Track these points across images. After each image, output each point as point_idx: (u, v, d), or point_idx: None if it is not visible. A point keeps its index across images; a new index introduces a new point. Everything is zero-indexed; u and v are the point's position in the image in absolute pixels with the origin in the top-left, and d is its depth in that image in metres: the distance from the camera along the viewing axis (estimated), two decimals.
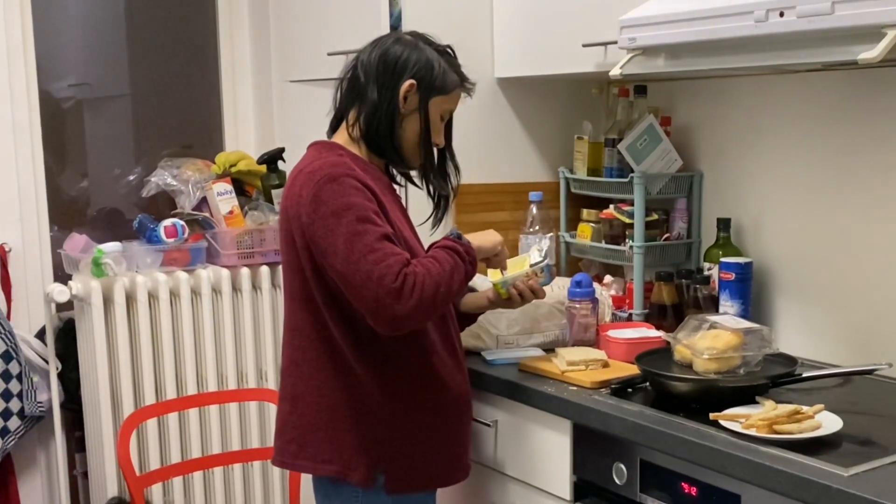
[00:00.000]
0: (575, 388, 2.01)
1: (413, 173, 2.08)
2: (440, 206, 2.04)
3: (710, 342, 1.90)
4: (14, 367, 2.91)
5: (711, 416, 1.75)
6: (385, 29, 2.44)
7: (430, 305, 1.81)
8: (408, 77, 1.91)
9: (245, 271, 3.16)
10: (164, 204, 3.31)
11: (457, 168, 2.05)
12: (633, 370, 2.02)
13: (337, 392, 1.91)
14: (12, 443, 2.94)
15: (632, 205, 2.41)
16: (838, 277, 2.19)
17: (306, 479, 2.26)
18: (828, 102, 2.20)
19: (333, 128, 2.02)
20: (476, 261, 1.94)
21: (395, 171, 2.07)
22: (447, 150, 2.03)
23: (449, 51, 1.99)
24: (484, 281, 2.18)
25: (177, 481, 3.04)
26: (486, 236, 2.03)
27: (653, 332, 2.21)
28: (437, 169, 2.02)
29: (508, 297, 2.06)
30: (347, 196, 1.81)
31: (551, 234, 2.43)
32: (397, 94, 1.91)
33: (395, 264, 1.78)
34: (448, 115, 2.00)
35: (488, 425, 2.15)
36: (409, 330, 1.85)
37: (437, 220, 2.06)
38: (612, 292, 2.49)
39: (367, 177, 1.87)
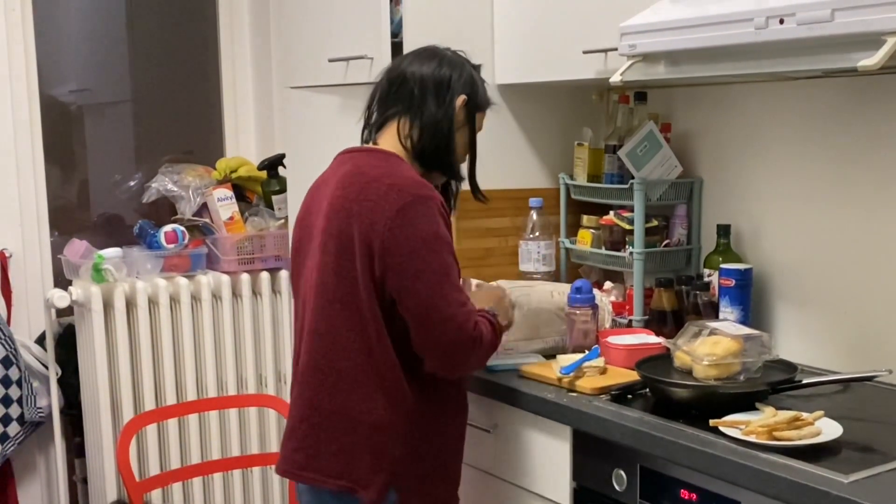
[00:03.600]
0: (575, 394, 2.01)
1: None
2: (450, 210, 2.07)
3: (709, 348, 1.90)
4: (14, 373, 2.91)
5: (711, 422, 1.75)
6: (386, 36, 2.44)
7: (482, 361, 1.93)
8: (460, 92, 1.97)
9: (245, 277, 3.17)
10: (165, 210, 3.32)
11: (461, 178, 2.09)
12: (633, 376, 2.02)
13: (362, 406, 1.86)
14: (12, 448, 2.94)
15: (632, 211, 2.41)
16: (838, 284, 2.20)
17: None
18: (828, 109, 2.20)
19: (373, 132, 2.01)
20: (500, 331, 1.98)
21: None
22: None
23: (479, 68, 2.08)
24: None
25: (176, 487, 3.04)
26: (498, 306, 2.03)
27: (653, 339, 2.21)
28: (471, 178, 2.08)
29: None
30: (437, 225, 1.83)
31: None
32: (453, 108, 1.97)
33: (472, 312, 1.85)
34: (480, 130, 2.08)
35: (488, 431, 2.15)
36: (454, 375, 1.92)
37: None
38: (612, 298, 2.49)
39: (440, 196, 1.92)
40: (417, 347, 1.84)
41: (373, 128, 2.01)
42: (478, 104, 2.03)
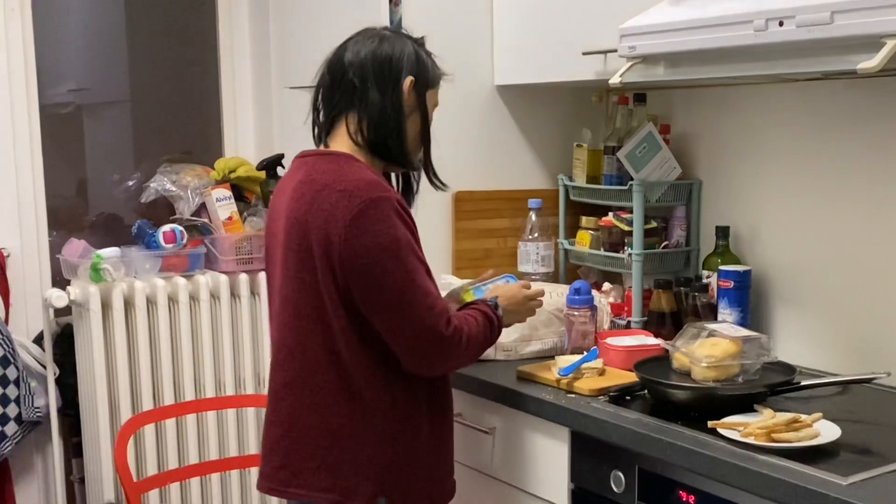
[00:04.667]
0: (573, 395, 2.01)
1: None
2: (408, 194, 1.99)
3: (708, 350, 1.90)
4: (12, 372, 2.90)
5: (710, 424, 1.75)
6: None
7: (468, 358, 1.88)
8: (406, 74, 1.85)
9: (243, 277, 3.16)
10: (163, 209, 3.31)
11: (429, 159, 1.98)
12: (631, 378, 2.02)
13: (340, 415, 1.82)
14: (9, 448, 2.93)
15: (631, 212, 2.41)
16: (837, 286, 2.20)
17: None
18: (827, 112, 2.20)
19: (323, 134, 1.92)
20: (501, 329, 1.97)
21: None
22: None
23: (423, 42, 1.94)
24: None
25: (174, 487, 3.03)
26: (513, 302, 2.01)
27: (651, 340, 2.22)
28: (427, 165, 1.96)
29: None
30: (393, 227, 1.75)
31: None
32: (401, 93, 1.84)
33: (442, 313, 1.80)
34: (434, 109, 1.94)
35: (486, 432, 2.15)
36: (435, 375, 1.89)
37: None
38: (611, 300, 2.49)
39: (397, 194, 1.84)
40: (395, 351, 1.81)
41: (322, 128, 1.92)
42: (427, 82, 1.88)
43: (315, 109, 1.92)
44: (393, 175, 1.99)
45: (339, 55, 1.88)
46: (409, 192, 2.00)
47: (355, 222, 1.73)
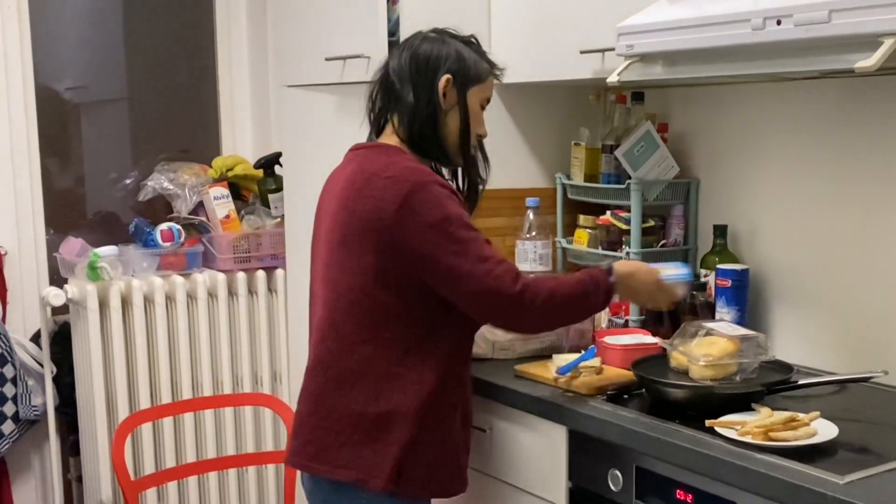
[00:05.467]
0: (571, 394, 2.01)
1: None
2: (471, 200, 2.05)
3: (706, 349, 1.90)
4: (9, 371, 2.90)
5: (707, 422, 1.75)
6: (383, 35, 2.44)
7: (555, 314, 1.89)
8: (442, 73, 1.92)
9: (241, 275, 3.16)
10: (161, 208, 3.31)
11: (486, 159, 2.06)
12: (629, 376, 2.02)
13: (371, 395, 1.87)
14: (6, 447, 2.93)
15: (628, 211, 2.41)
16: (835, 285, 2.20)
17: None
18: (825, 110, 2.20)
19: (376, 132, 2.02)
20: (610, 295, 1.93)
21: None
22: (480, 145, 2.04)
23: (473, 40, 2.02)
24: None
25: (171, 486, 3.03)
26: (640, 272, 1.99)
27: (649, 339, 2.21)
28: (474, 162, 2.02)
29: None
30: (442, 206, 1.81)
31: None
32: (436, 92, 1.92)
33: (507, 272, 1.82)
34: (486, 104, 2.02)
35: (484, 431, 2.15)
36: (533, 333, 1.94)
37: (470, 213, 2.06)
38: None
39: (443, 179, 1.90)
40: (423, 325, 1.87)
41: (374, 124, 2.02)
42: (468, 79, 1.94)
43: (368, 110, 2.02)
44: (459, 182, 2.06)
45: (388, 56, 2.01)
46: (473, 199, 2.05)
47: (406, 206, 1.80)
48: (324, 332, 1.93)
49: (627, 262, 2.07)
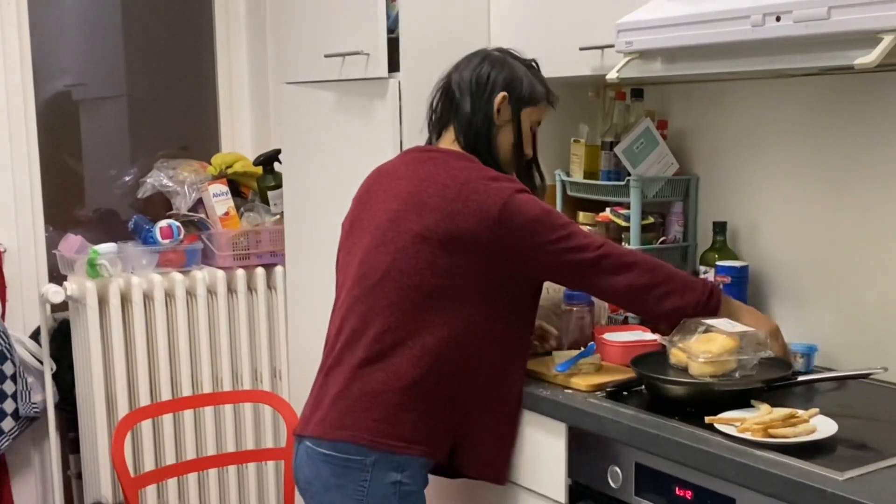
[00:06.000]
0: (570, 391, 2.01)
1: None
2: None
3: (705, 345, 1.90)
4: (8, 368, 2.91)
5: (707, 419, 1.75)
6: (382, 32, 2.44)
7: (655, 275, 1.97)
8: (500, 90, 2.04)
9: (241, 273, 3.16)
10: (160, 205, 3.32)
11: (542, 177, 2.17)
12: (628, 373, 2.02)
13: (408, 375, 1.92)
14: (6, 444, 2.93)
15: (628, 208, 2.41)
16: (834, 281, 2.20)
17: None
18: (824, 107, 2.20)
19: (434, 134, 2.12)
20: (718, 304, 1.99)
21: None
22: (534, 161, 2.15)
23: (534, 65, 2.12)
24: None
25: (171, 483, 3.04)
26: (759, 320, 2.03)
27: (648, 336, 2.21)
28: (527, 178, 2.12)
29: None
30: (538, 204, 1.95)
31: None
32: (491, 107, 2.03)
33: (608, 244, 1.96)
34: (537, 127, 2.12)
35: None
36: None
37: None
38: None
39: None
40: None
41: (434, 129, 2.12)
42: (523, 100, 2.06)
43: (428, 117, 2.14)
44: None
45: (451, 69, 2.11)
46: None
47: (506, 207, 1.91)
48: (364, 315, 1.96)
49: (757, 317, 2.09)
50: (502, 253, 1.93)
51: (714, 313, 1.98)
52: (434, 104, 2.12)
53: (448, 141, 2.08)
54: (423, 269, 1.93)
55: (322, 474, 1.96)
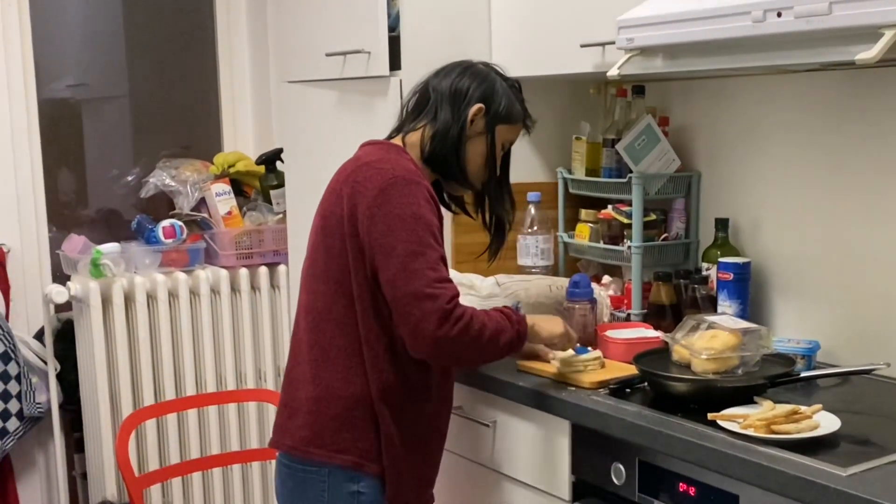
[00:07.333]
0: (573, 388, 2.01)
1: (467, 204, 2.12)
2: (497, 237, 2.09)
3: (708, 342, 1.90)
4: (13, 368, 2.91)
5: (710, 416, 1.75)
6: (383, 30, 2.44)
7: (471, 345, 1.82)
8: (476, 101, 1.99)
9: (244, 272, 3.17)
10: (163, 205, 3.32)
11: (512, 201, 2.11)
12: (631, 370, 2.02)
13: (356, 381, 1.87)
14: (11, 444, 2.94)
15: (630, 205, 2.41)
16: (836, 277, 2.20)
17: None
18: (826, 102, 2.20)
19: (396, 131, 2.06)
20: (525, 335, 1.95)
21: (447, 199, 2.10)
22: (505, 182, 2.10)
23: (516, 85, 2.08)
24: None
25: (176, 482, 3.04)
26: (548, 322, 2.05)
27: (651, 333, 2.22)
28: (496, 196, 2.07)
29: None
30: (418, 206, 1.84)
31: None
32: (465, 116, 1.98)
33: (451, 290, 1.81)
34: (508, 147, 2.08)
35: (487, 425, 2.15)
36: (439, 362, 1.90)
37: (494, 253, 2.10)
38: (611, 292, 2.49)
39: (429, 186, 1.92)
40: (399, 329, 1.84)
41: (401, 128, 2.05)
42: (499, 116, 2.01)
43: (399, 118, 2.08)
44: (485, 218, 2.10)
45: (427, 78, 2.06)
46: (500, 236, 2.10)
47: (383, 193, 1.83)
48: (313, 315, 1.94)
49: (546, 321, 2.07)
50: (367, 237, 1.84)
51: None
52: (407, 104, 2.07)
53: (412, 143, 2.01)
54: (328, 260, 1.90)
55: (287, 484, 1.97)
